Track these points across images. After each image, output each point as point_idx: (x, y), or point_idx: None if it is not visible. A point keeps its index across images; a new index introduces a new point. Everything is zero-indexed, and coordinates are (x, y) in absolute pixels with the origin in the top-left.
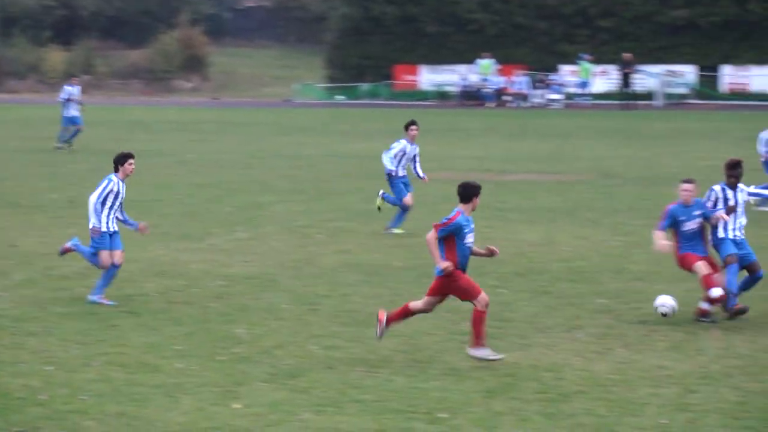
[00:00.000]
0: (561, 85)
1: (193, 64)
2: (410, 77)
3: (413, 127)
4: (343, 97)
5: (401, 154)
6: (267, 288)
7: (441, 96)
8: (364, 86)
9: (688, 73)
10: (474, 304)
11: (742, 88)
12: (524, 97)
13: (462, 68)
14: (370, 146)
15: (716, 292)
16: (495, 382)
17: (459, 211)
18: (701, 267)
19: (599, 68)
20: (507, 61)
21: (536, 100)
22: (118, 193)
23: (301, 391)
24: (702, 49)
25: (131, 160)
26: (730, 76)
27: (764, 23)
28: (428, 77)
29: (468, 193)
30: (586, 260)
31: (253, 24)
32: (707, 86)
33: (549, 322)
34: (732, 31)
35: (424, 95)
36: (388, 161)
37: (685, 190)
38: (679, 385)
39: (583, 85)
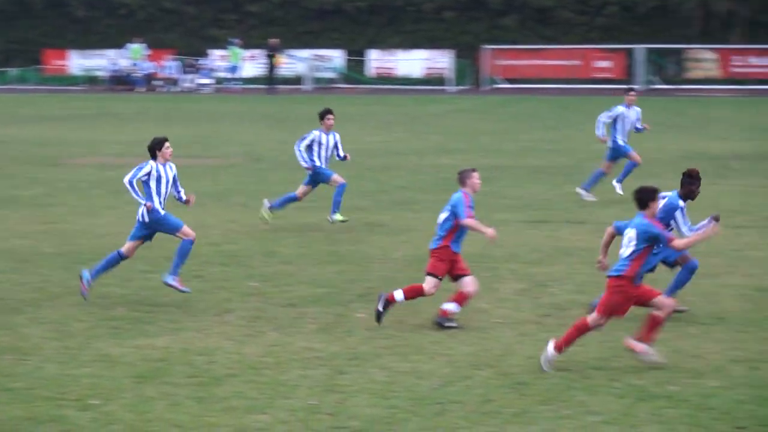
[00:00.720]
0: (211, 69)
1: None
2: (60, 62)
3: (329, 116)
4: None
5: (316, 144)
6: None
7: (91, 81)
8: (12, 71)
9: (336, 57)
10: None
11: (389, 72)
12: (174, 82)
13: (112, 53)
14: (18, 132)
15: (398, 294)
16: (146, 367)
17: (648, 218)
18: (430, 286)
19: (248, 53)
20: (157, 45)
21: (186, 85)
22: (159, 177)
23: None
24: (349, 34)
25: (167, 144)
26: (376, 60)
27: (408, 8)
28: (78, 62)
29: (645, 198)
30: (236, 244)
31: None
32: (354, 70)
33: (200, 305)
34: (378, 16)
35: (74, 80)
36: (298, 155)
37: (479, 179)
38: (329, 366)
39: (233, 69)
